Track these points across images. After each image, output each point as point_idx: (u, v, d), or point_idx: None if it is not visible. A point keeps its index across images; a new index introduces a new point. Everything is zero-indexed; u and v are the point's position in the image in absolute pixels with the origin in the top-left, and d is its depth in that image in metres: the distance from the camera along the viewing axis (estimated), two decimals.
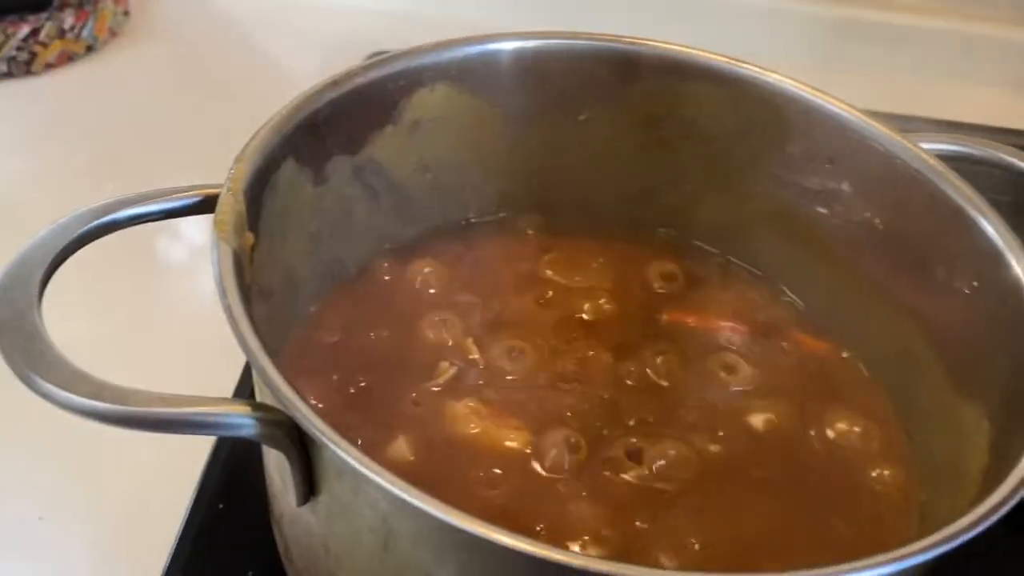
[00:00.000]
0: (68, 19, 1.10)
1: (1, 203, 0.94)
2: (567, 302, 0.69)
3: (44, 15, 1.09)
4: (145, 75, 1.17)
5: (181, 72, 1.20)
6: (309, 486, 0.44)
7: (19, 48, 1.08)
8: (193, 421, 0.40)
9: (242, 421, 0.41)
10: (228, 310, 0.43)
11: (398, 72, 0.62)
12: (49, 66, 1.11)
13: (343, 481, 0.43)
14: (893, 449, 0.61)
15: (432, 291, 0.68)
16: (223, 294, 0.44)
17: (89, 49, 1.14)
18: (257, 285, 0.54)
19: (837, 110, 0.64)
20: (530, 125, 0.70)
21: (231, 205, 0.49)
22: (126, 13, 1.19)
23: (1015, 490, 0.43)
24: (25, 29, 1.07)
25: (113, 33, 1.17)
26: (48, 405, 0.40)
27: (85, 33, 1.12)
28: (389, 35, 0.90)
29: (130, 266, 0.87)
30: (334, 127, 0.60)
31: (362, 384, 0.61)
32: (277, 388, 0.40)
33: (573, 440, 0.59)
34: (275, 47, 1.22)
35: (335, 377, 0.61)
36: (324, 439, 0.38)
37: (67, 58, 1.12)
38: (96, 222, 0.48)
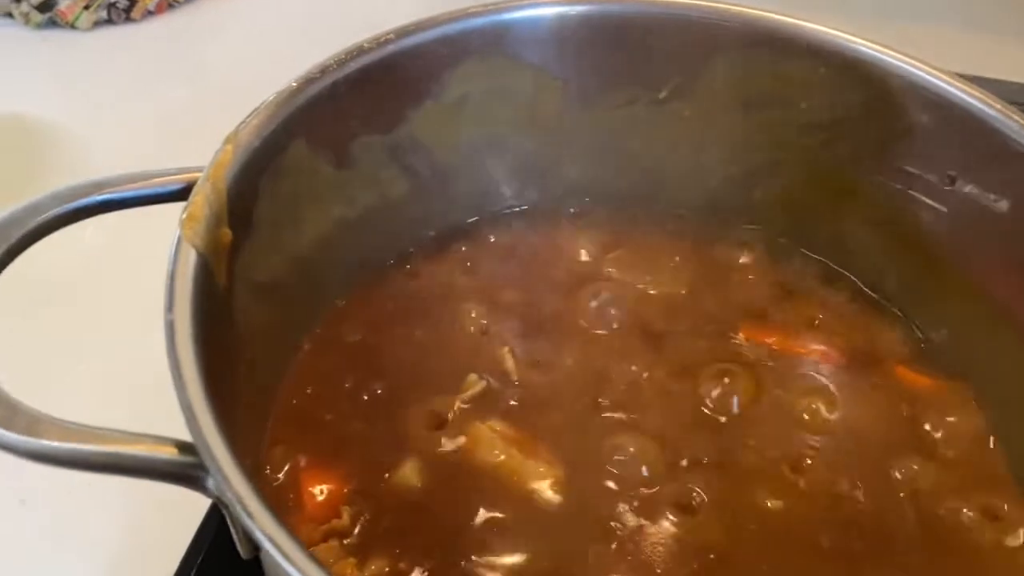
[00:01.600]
0: None
1: (97, 150, 0.92)
2: (628, 309, 0.60)
3: None
4: (246, 23, 1.13)
5: (282, 21, 1.15)
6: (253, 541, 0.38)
7: None
8: (106, 461, 0.35)
9: (164, 466, 0.35)
10: (169, 326, 0.36)
11: (439, 39, 0.54)
12: (149, 13, 1.09)
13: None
14: (1007, 527, 0.50)
15: (474, 288, 0.60)
16: (169, 306, 0.37)
17: None
18: (252, 281, 0.48)
19: (970, 99, 0.51)
20: (599, 101, 0.61)
21: (206, 196, 0.42)
22: None
23: None
24: None
25: None
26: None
27: None
28: None
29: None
30: (359, 102, 0.52)
31: (378, 392, 0.54)
32: (198, 432, 0.33)
33: (610, 484, 0.50)
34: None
35: (349, 383, 0.54)
36: (237, 506, 0.32)
37: (167, 5, 1.10)
38: (59, 209, 0.42)
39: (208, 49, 1.10)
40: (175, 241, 0.41)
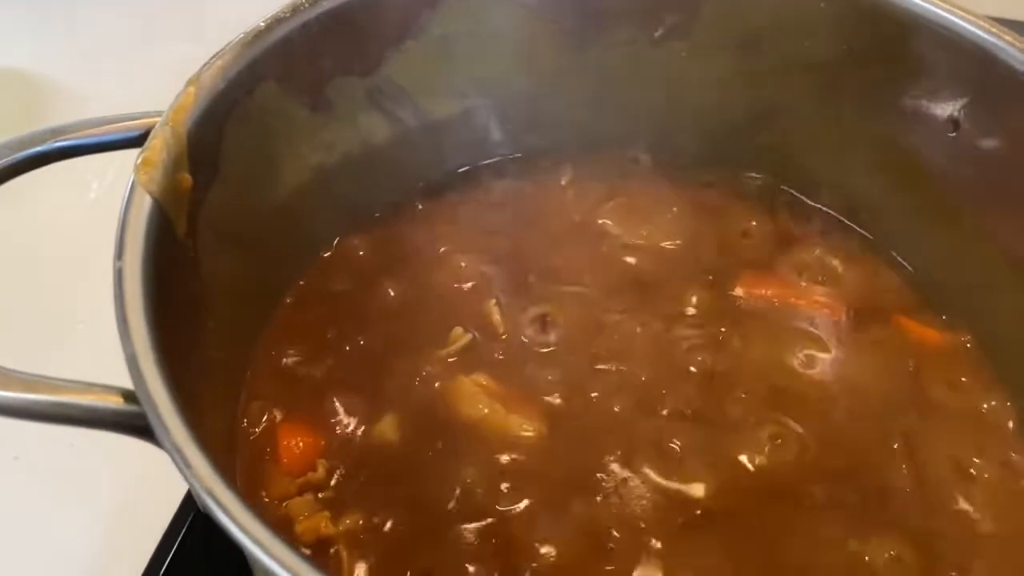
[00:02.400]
0: None
1: (99, 106, 0.91)
2: (623, 261, 0.57)
3: None
4: None
5: None
6: None
7: None
8: (51, 411, 0.34)
9: (110, 415, 0.34)
10: (117, 274, 0.35)
11: None
12: None
13: None
14: (1006, 483, 0.47)
15: (463, 240, 0.58)
16: (118, 254, 0.36)
17: None
18: (223, 230, 0.46)
19: (980, 33, 0.48)
20: (593, 42, 0.58)
21: (164, 140, 0.41)
22: None
23: None
24: None
25: None
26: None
27: None
28: None
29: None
30: (333, 43, 0.50)
31: (361, 343, 0.53)
32: (139, 380, 0.32)
33: (595, 437, 0.49)
34: None
35: (331, 336, 0.53)
36: (176, 456, 0.30)
37: None
38: (14, 157, 0.41)
39: (213, 5, 1.08)
40: (129, 187, 0.39)
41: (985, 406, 0.50)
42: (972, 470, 0.48)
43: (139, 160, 0.40)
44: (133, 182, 0.39)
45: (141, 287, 0.36)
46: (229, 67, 0.45)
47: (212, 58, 0.45)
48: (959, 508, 0.47)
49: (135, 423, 0.34)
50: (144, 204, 0.39)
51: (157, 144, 0.41)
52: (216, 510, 0.29)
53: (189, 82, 0.44)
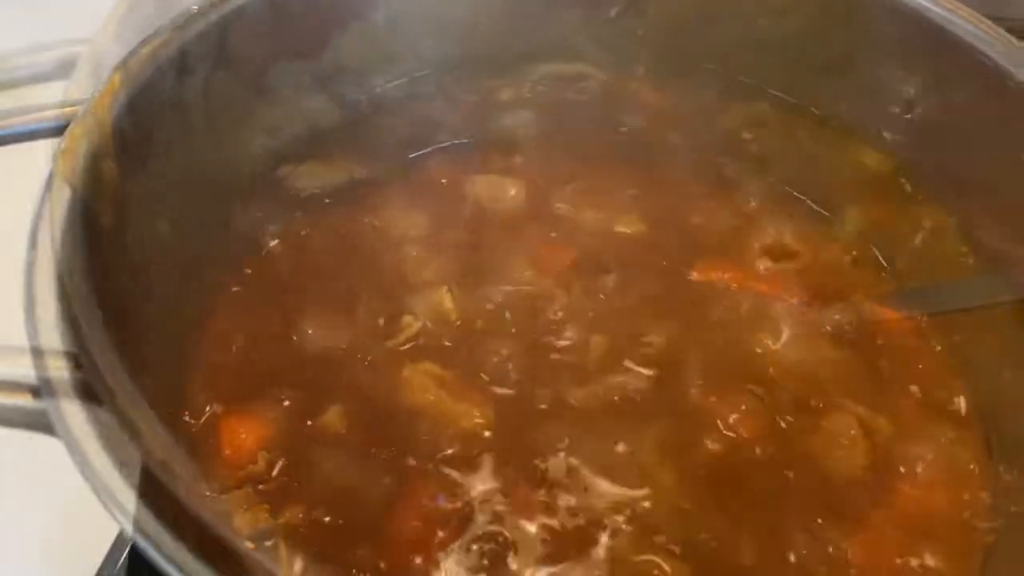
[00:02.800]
0: None
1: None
2: (580, 247, 0.56)
3: None
4: None
5: None
6: None
7: None
8: None
9: (15, 414, 0.33)
10: (29, 267, 0.34)
11: None
12: None
13: None
14: (967, 472, 0.47)
15: (416, 227, 0.57)
16: (32, 244, 0.35)
17: None
18: (160, 218, 0.46)
19: (933, 7, 0.47)
20: (547, 19, 0.57)
21: (86, 129, 0.40)
22: None
23: None
24: None
25: None
26: None
27: None
28: None
29: None
30: (275, 26, 0.49)
31: (309, 332, 0.52)
32: (44, 376, 0.31)
33: (543, 425, 0.48)
34: None
35: (277, 325, 0.52)
36: (73, 451, 0.29)
37: None
38: None
39: None
40: (47, 177, 0.38)
41: (941, 392, 0.49)
42: (930, 454, 0.47)
43: (59, 149, 0.39)
44: (51, 172, 0.38)
45: (55, 280, 0.35)
46: (159, 53, 0.44)
47: (140, 44, 0.44)
48: (915, 494, 0.46)
49: (44, 420, 0.33)
50: (63, 194, 0.38)
51: (78, 132, 0.40)
52: (111, 507, 0.28)
53: (115, 69, 0.42)
